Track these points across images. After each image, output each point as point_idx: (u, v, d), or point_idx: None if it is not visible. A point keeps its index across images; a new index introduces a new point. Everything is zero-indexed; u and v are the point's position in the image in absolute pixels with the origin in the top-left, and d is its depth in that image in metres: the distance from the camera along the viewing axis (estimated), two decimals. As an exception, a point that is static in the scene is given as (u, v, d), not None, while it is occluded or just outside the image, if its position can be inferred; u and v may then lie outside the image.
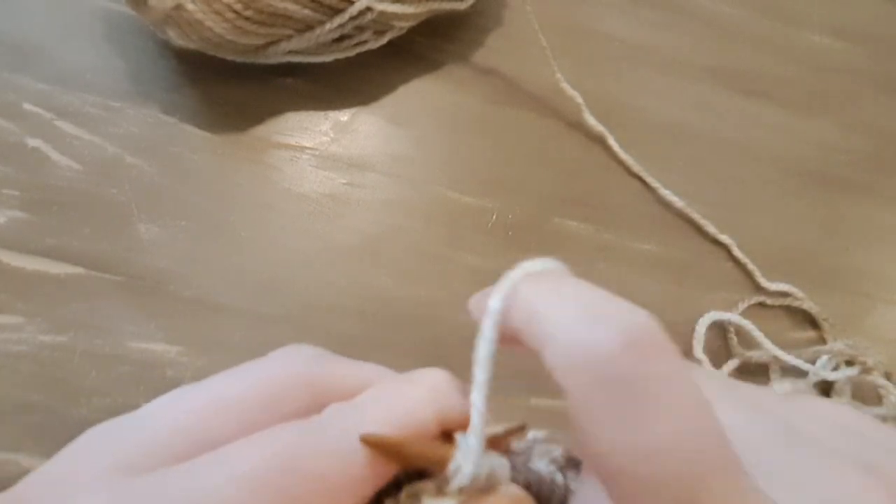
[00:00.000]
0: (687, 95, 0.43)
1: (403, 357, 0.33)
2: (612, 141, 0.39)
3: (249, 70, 0.35)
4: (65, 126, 0.34)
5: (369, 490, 0.15)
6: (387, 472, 0.16)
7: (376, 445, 0.15)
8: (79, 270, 0.31)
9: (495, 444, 0.17)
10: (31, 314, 0.30)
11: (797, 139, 0.43)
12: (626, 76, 0.42)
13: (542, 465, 0.18)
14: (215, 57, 0.34)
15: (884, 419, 0.35)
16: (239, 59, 0.35)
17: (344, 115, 0.37)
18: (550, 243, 0.37)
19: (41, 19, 0.36)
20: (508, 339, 0.17)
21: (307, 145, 0.36)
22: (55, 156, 0.33)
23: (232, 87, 0.36)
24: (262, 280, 0.33)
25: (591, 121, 0.39)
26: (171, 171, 0.34)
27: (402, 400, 0.17)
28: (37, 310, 0.30)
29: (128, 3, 0.32)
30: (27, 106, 0.34)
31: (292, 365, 0.18)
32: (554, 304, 0.15)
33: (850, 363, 0.36)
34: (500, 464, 0.16)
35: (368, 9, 0.34)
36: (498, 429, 0.18)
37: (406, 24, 0.37)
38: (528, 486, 0.17)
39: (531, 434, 0.19)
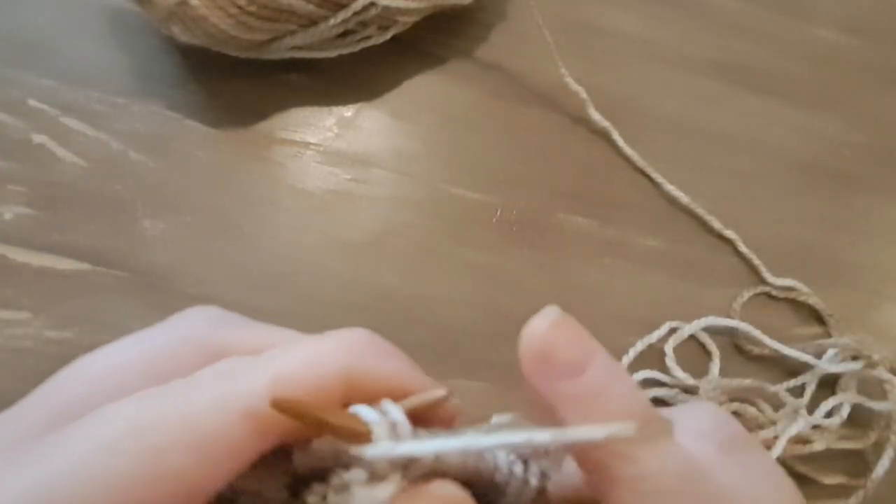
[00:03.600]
0: (692, 90, 0.43)
1: (408, 353, 0.33)
2: (616, 136, 0.39)
3: (253, 66, 0.35)
4: (70, 122, 0.34)
5: (252, 453, 0.14)
6: (275, 434, 0.14)
7: (285, 409, 0.13)
8: (84, 266, 0.31)
9: (415, 418, 0.15)
10: (37, 310, 0.30)
11: (803, 134, 0.43)
12: (630, 71, 0.42)
13: (500, 456, 0.16)
14: (219, 53, 0.34)
15: (889, 413, 0.35)
16: (243, 54, 0.35)
17: (348, 111, 0.37)
18: (555, 239, 0.37)
19: (46, 16, 0.36)
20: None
21: (311, 141, 0.36)
22: (60, 152, 0.33)
23: (236, 83, 0.36)
24: (266, 276, 0.33)
25: (595, 116, 0.39)
26: (176, 168, 0.34)
27: (302, 355, 0.15)
28: (42, 305, 0.30)
29: (132, 0, 0.32)
30: (32, 102, 0.34)
31: (188, 329, 0.16)
32: None
33: (855, 358, 0.36)
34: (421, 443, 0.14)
35: (372, 4, 0.34)
36: (414, 400, 0.16)
37: (410, 20, 0.37)
38: (478, 475, 0.16)
39: (494, 419, 0.17)
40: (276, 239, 0.34)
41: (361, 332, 0.17)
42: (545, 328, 0.15)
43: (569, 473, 0.18)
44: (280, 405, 0.13)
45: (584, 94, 0.39)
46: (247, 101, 0.36)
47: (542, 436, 0.14)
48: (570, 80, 0.39)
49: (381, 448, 0.14)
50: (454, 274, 0.35)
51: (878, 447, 0.35)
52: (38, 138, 0.33)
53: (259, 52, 0.35)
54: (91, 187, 0.33)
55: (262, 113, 0.36)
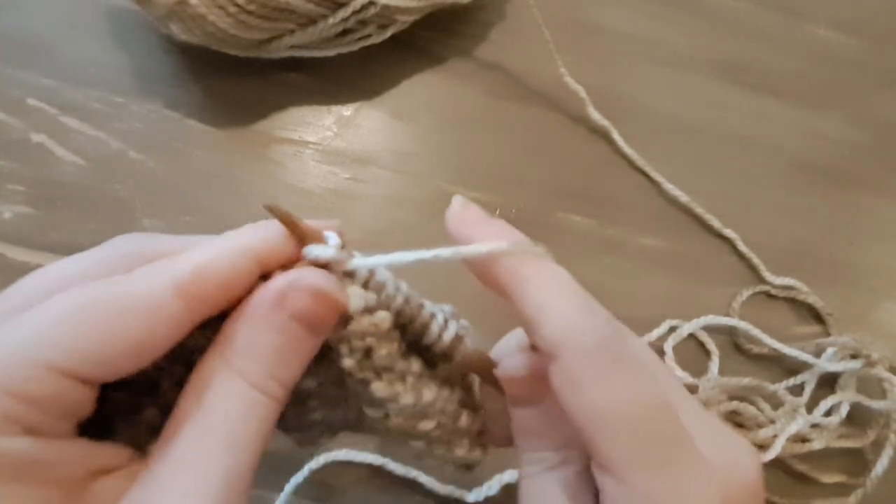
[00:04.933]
0: (691, 89, 0.43)
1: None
2: (615, 135, 0.39)
3: (252, 65, 0.35)
4: (69, 121, 0.34)
5: (186, 323, 0.17)
6: (204, 308, 0.18)
7: (277, 214, 0.19)
8: (83, 265, 0.31)
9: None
10: (37, 309, 0.30)
11: (802, 133, 0.43)
12: (629, 70, 0.42)
13: (428, 304, 0.22)
14: (218, 52, 0.34)
15: (888, 412, 0.35)
16: (242, 53, 0.35)
17: (347, 110, 0.37)
18: (554, 238, 0.37)
19: (46, 15, 0.36)
20: (481, 277, 0.21)
21: (310, 140, 0.36)
22: (59, 151, 0.33)
23: (235, 82, 0.36)
24: (265, 275, 0.33)
25: (594, 115, 0.39)
26: (175, 167, 0.34)
27: (215, 246, 0.19)
28: (42, 304, 0.30)
29: (131, -1, 0.32)
30: (31, 101, 0.34)
31: (117, 247, 0.20)
32: (557, 291, 0.19)
33: (854, 357, 0.36)
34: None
35: (371, 3, 0.34)
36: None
37: (409, 19, 0.37)
38: (412, 319, 0.21)
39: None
40: (276, 238, 0.34)
41: (264, 224, 0.20)
42: (461, 203, 0.22)
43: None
44: (273, 211, 0.19)
45: (583, 94, 0.39)
46: (246, 100, 0.36)
47: (446, 252, 0.20)
48: (569, 80, 0.39)
49: (359, 262, 0.21)
50: (453, 273, 0.35)
51: (877, 446, 0.35)
52: (38, 137, 0.33)
53: (258, 51, 0.35)
54: (90, 186, 0.33)
55: (262, 112, 0.36)
